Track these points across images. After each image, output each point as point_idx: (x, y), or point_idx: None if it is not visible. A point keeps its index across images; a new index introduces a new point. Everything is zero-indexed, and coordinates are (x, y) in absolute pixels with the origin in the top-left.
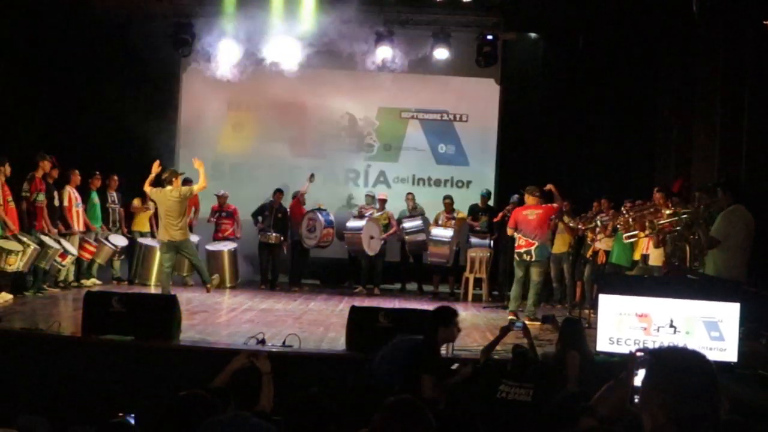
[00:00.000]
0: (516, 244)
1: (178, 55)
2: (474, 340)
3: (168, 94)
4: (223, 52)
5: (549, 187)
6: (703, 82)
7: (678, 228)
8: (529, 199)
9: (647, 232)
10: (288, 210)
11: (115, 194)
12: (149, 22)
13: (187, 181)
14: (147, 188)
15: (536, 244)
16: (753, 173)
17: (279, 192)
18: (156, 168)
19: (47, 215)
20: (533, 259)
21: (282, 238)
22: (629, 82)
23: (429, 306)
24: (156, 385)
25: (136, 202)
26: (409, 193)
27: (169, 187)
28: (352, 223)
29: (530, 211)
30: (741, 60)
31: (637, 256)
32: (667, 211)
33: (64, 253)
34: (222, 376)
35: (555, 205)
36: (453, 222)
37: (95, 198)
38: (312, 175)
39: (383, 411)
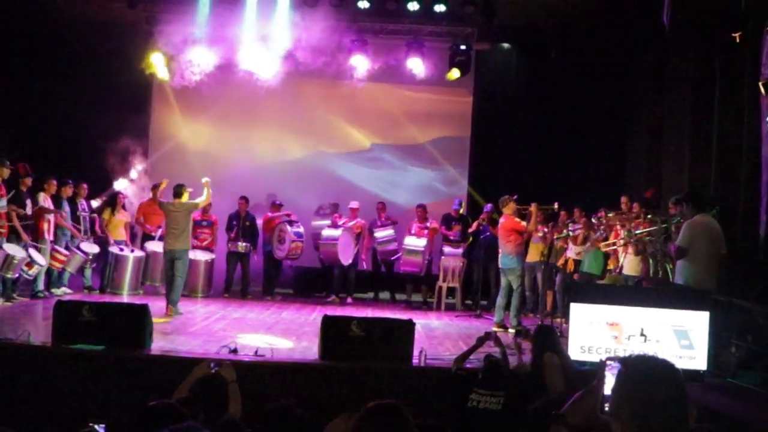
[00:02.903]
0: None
1: (149, 64)
2: (446, 349)
3: (139, 101)
4: (195, 60)
5: (531, 207)
6: (673, 93)
7: (654, 239)
8: (503, 209)
9: (622, 240)
10: (255, 218)
11: (85, 202)
12: (120, 28)
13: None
14: (156, 200)
15: (501, 252)
16: (722, 183)
17: (243, 199)
18: (166, 183)
19: (17, 223)
20: (500, 266)
21: (251, 247)
22: (601, 92)
23: (402, 315)
24: (127, 394)
25: (106, 214)
26: (380, 203)
27: (176, 200)
28: (328, 233)
29: (500, 220)
30: (711, 71)
31: (611, 265)
32: (646, 228)
33: (31, 263)
34: (184, 385)
35: (522, 224)
36: (426, 231)
37: (66, 206)
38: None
39: (364, 415)
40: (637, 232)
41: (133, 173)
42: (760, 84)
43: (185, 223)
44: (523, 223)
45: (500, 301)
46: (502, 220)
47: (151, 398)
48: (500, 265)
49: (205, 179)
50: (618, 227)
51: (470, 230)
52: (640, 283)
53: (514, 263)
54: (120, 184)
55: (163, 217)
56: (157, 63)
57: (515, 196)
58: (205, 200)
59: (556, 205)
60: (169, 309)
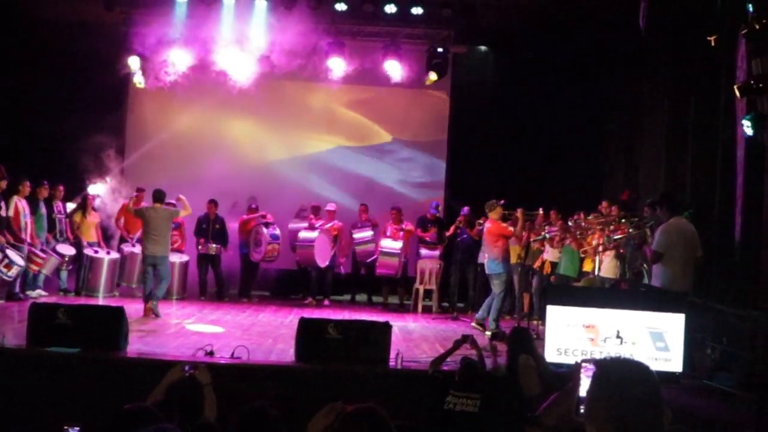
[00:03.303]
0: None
1: (126, 63)
2: (423, 352)
3: (115, 101)
4: (172, 61)
5: (517, 213)
6: (650, 94)
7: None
8: (489, 214)
9: (601, 247)
10: (224, 220)
11: (60, 204)
12: (97, 30)
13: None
14: (132, 208)
15: (487, 257)
16: (698, 185)
17: (212, 203)
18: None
19: None
20: (486, 271)
21: (222, 248)
22: (578, 94)
23: (378, 317)
24: (102, 397)
25: (77, 216)
26: (362, 204)
27: (157, 205)
28: (304, 235)
29: (486, 225)
30: (686, 73)
31: (587, 267)
32: (624, 235)
33: (10, 264)
34: (159, 389)
35: (509, 229)
36: (401, 233)
37: (42, 208)
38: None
39: (345, 419)
40: (616, 237)
41: (109, 175)
42: (735, 87)
43: (165, 228)
44: (510, 228)
45: (489, 300)
46: (488, 224)
47: (127, 401)
48: (487, 271)
49: (180, 196)
50: (598, 230)
51: (447, 233)
52: (617, 285)
53: (500, 268)
54: (96, 188)
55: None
56: (134, 66)
57: (502, 201)
58: (187, 212)
59: (540, 211)
60: (147, 310)
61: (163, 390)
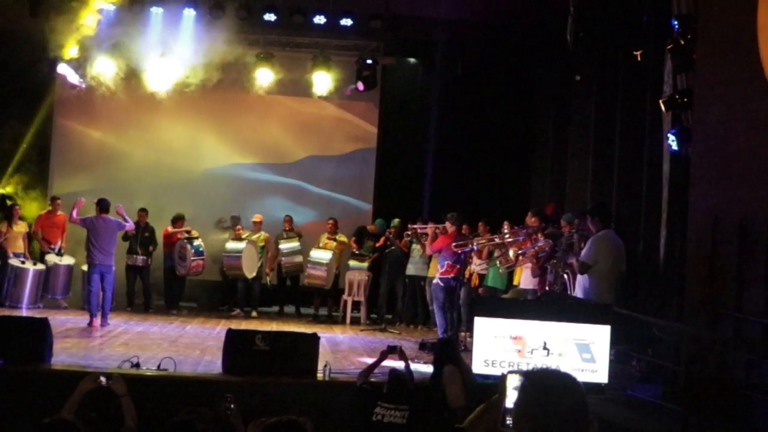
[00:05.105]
0: (440, 271)
1: (52, 72)
2: (351, 363)
3: (41, 110)
4: (99, 70)
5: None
6: (577, 110)
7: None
8: (450, 228)
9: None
10: (154, 229)
11: None
12: (22, 37)
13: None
14: (75, 218)
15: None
16: (623, 199)
17: (143, 211)
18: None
19: None
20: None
21: (149, 260)
22: (507, 108)
23: (307, 328)
24: (26, 410)
25: (3, 227)
26: (286, 215)
27: (104, 215)
28: (232, 245)
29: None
30: (613, 88)
31: (516, 281)
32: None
33: None
34: (72, 400)
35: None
36: (335, 244)
37: None
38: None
39: (266, 430)
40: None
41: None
42: (660, 102)
43: (113, 238)
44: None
45: (449, 316)
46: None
47: (52, 414)
48: (453, 283)
49: (118, 207)
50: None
51: (378, 244)
52: (540, 297)
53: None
54: (15, 194)
55: (61, 231)
56: (63, 73)
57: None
58: (132, 226)
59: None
60: (98, 321)
61: (77, 401)
